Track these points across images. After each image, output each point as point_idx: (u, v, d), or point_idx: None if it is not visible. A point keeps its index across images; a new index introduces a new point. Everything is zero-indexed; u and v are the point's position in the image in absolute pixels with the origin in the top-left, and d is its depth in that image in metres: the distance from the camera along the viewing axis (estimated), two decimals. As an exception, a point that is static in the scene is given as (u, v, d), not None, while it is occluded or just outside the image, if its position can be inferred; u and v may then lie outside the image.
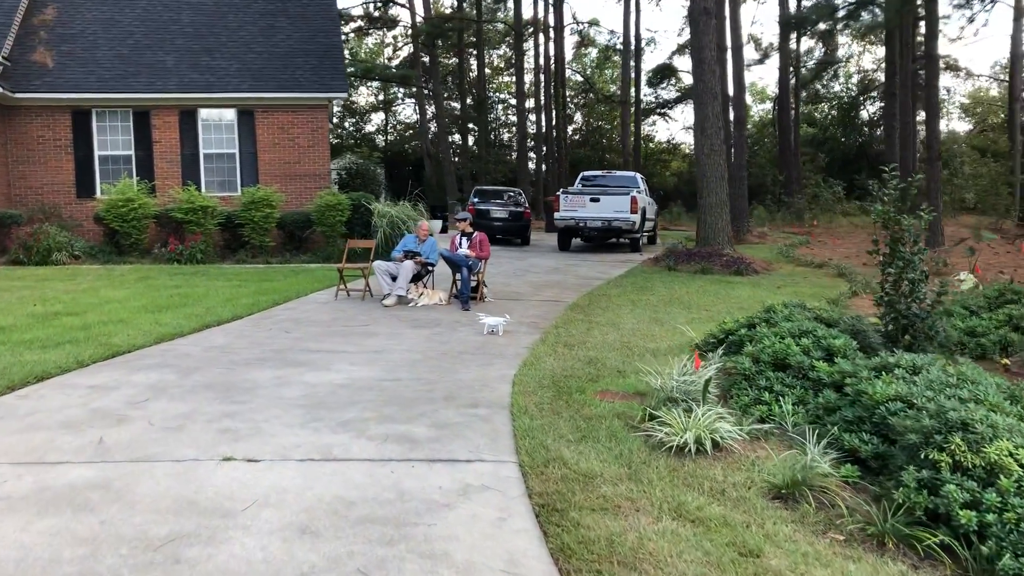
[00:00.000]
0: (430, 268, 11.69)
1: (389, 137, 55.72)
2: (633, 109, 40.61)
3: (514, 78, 56.00)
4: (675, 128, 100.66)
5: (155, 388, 6.56)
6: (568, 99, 48.46)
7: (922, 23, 34.35)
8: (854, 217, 38.74)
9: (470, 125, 43.97)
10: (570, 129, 50.95)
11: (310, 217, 17.87)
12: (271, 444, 5.19)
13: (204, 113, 18.95)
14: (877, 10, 23.99)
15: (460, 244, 11.45)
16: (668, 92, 52.31)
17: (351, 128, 53.24)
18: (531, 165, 41.72)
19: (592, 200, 19.51)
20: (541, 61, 41.70)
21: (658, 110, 52.64)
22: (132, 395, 6.34)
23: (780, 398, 5.66)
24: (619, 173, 22.76)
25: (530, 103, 43.10)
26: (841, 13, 23.86)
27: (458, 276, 11.49)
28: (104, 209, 16.98)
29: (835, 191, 39.34)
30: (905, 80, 27.15)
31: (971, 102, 51.21)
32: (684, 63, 72.10)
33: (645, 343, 8.50)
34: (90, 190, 18.61)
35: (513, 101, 54.58)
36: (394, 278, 11.38)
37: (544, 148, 40.65)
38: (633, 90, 43.05)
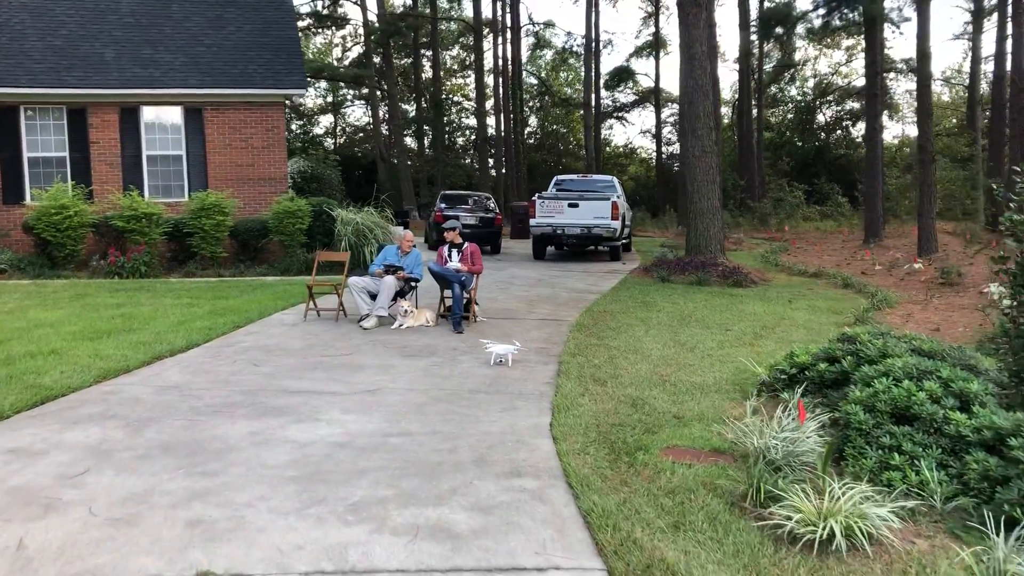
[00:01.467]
0: (413, 284, 10.30)
1: (339, 140, 53.94)
2: (594, 112, 39.53)
3: (467, 80, 54.81)
4: (632, 132, 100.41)
5: (97, 452, 5.09)
6: (523, 102, 47.28)
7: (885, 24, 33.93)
8: (816, 222, 38.26)
9: (425, 127, 42.48)
10: (525, 132, 49.80)
11: (266, 225, 16.30)
12: (262, 545, 3.78)
13: (147, 111, 17.23)
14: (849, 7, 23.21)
15: (450, 257, 10.07)
16: (625, 95, 51.59)
17: (298, 130, 51.28)
18: (492, 171, 40.37)
19: (570, 206, 18.26)
20: (500, 63, 40.43)
21: (615, 113, 51.83)
22: (66, 464, 4.87)
23: (915, 461, 4.43)
24: (595, 177, 21.53)
25: (486, 105, 41.73)
26: (822, 11, 23.03)
27: (447, 293, 10.13)
28: (34, 217, 15.16)
29: (797, 196, 38.84)
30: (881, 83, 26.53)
31: (925, 106, 51.21)
32: (642, 66, 71.40)
33: (686, 376, 7.23)
34: (18, 195, 16.74)
35: (467, 104, 53.32)
36: (373, 296, 9.97)
37: (504, 151, 39.30)
38: (592, 93, 42.01)
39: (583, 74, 45.97)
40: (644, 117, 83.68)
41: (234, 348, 8.50)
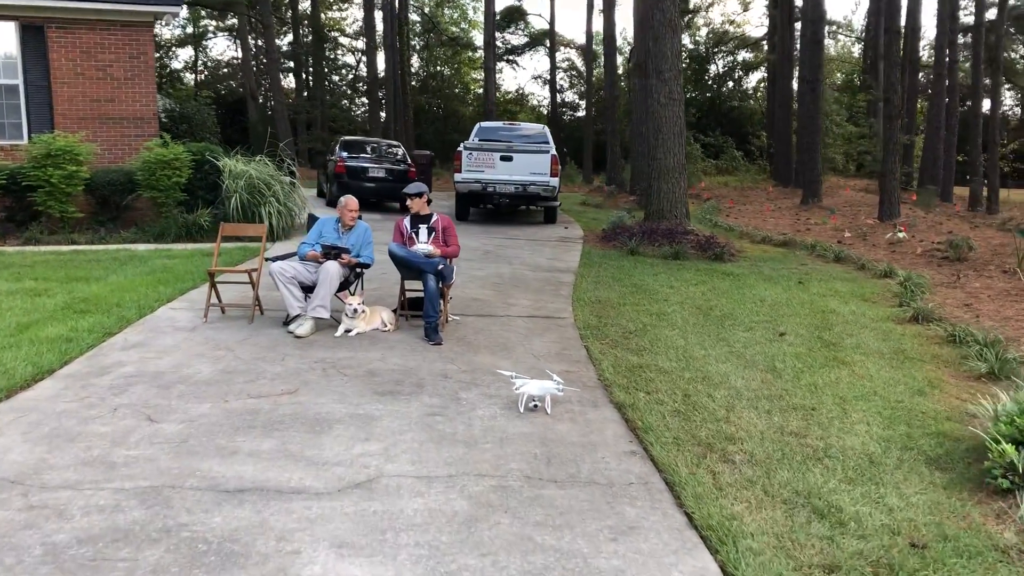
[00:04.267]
0: (360, 272, 7.54)
1: (199, 76, 48.70)
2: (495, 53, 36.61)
3: (343, 13, 50.43)
4: (523, 77, 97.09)
5: None
6: (408, 39, 43.64)
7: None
8: (714, 176, 37.16)
9: (305, 63, 38.39)
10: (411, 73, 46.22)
11: (133, 177, 12.93)
12: None
13: (-32, 26, 13.36)
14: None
15: (415, 234, 7.32)
16: (517, 37, 48.80)
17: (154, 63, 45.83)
18: (380, 114, 36.81)
19: (503, 159, 15.62)
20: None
21: (506, 56, 48.96)
22: None
23: None
24: (524, 125, 18.79)
25: (363, 43, 37.93)
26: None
27: (410, 285, 7.45)
28: None
29: (695, 149, 37.49)
30: (796, 35, 25.05)
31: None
32: (533, 5, 68.06)
33: (829, 436, 4.88)
34: None
35: (343, 40, 49.06)
36: (305, 288, 7.17)
37: (392, 94, 35.76)
38: (482, 32, 38.96)
39: (475, 12, 42.89)
40: (536, 61, 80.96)
41: (110, 379, 5.59)
